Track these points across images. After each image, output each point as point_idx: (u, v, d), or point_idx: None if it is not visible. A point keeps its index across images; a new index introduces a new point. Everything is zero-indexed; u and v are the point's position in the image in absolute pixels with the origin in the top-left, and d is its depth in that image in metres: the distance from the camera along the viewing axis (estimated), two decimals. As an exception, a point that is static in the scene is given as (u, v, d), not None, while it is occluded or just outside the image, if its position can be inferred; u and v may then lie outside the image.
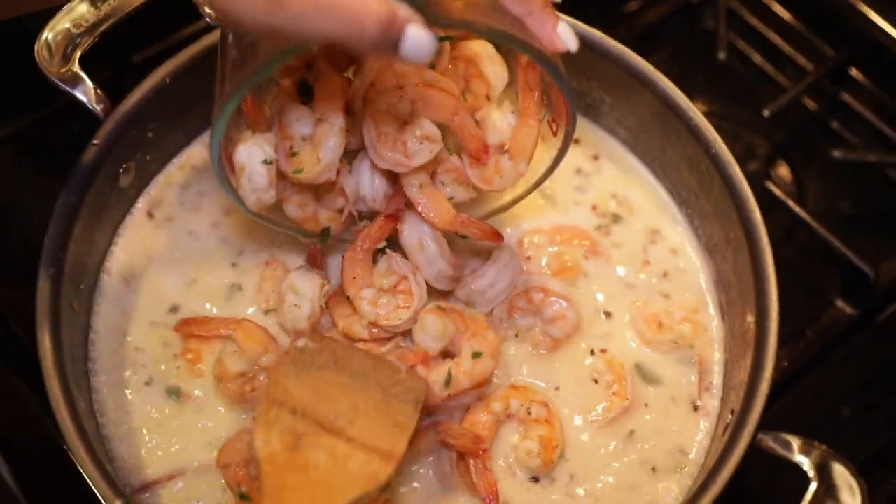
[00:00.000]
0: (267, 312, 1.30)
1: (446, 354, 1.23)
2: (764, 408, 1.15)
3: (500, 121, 1.22)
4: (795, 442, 1.13)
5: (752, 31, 1.72)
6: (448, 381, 1.19)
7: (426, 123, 1.18)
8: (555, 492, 1.21)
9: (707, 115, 1.34)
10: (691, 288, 1.36)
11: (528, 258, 1.36)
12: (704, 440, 1.26)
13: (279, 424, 1.08)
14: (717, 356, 1.31)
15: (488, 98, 1.23)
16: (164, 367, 1.26)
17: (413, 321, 1.23)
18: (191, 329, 1.27)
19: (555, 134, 1.22)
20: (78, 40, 1.28)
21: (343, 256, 1.26)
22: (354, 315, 1.25)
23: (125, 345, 1.28)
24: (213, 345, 1.27)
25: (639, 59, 1.36)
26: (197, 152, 1.41)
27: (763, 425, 1.15)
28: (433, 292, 1.27)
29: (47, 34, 1.27)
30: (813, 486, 1.08)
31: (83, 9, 1.28)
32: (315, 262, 1.29)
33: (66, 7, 1.27)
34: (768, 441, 1.14)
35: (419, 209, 1.22)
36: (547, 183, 1.28)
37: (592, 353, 1.30)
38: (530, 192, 1.29)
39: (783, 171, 1.61)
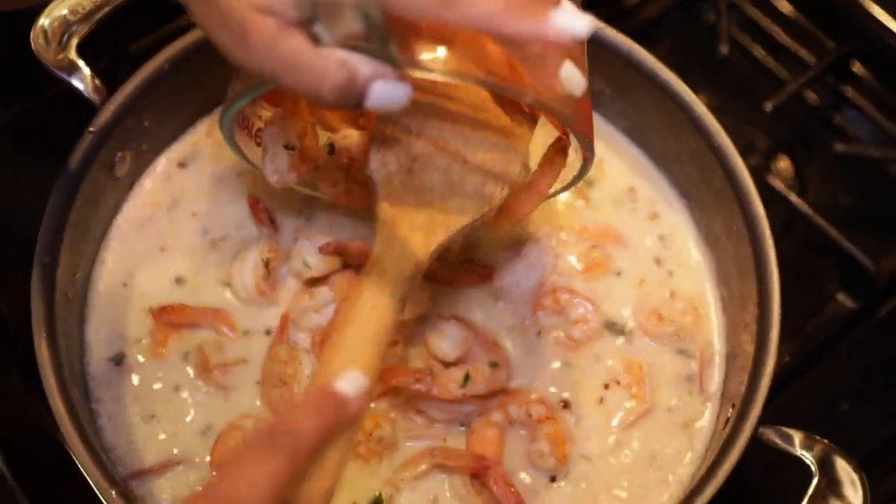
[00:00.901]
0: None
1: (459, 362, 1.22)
2: (764, 404, 1.15)
3: None
4: (797, 436, 1.12)
5: (754, 25, 1.71)
6: (465, 382, 1.18)
7: None
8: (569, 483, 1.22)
9: (707, 108, 1.32)
10: (692, 280, 1.35)
11: (556, 255, 1.34)
12: (705, 434, 1.25)
13: (394, 143, 1.06)
14: (717, 348, 1.31)
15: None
16: (157, 354, 1.25)
17: None
18: (170, 317, 1.26)
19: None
20: (74, 27, 1.26)
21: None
22: None
23: (121, 334, 1.26)
24: (196, 333, 1.27)
25: (640, 50, 1.34)
26: (194, 141, 1.40)
27: (763, 420, 1.14)
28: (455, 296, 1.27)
29: (43, 21, 1.25)
30: (815, 481, 1.07)
31: (80, -5, 1.27)
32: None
33: (62, -7, 1.26)
34: (770, 435, 1.13)
35: None
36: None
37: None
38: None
39: (784, 165, 1.60)
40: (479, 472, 1.18)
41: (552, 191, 1.21)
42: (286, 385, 1.21)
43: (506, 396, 1.23)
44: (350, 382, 0.85)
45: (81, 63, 1.26)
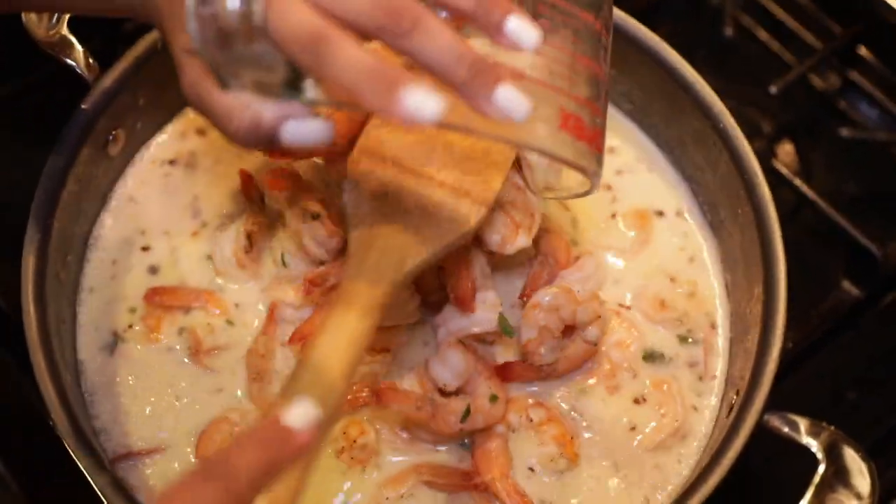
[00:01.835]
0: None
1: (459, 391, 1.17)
2: (769, 390, 1.13)
3: None
4: (803, 423, 1.10)
5: (758, 7, 1.69)
6: (465, 417, 1.14)
7: None
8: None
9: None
10: (695, 266, 1.33)
11: None
12: (709, 421, 1.23)
13: (370, 175, 1.06)
14: (721, 333, 1.28)
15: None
16: (150, 339, 1.23)
17: None
18: (162, 299, 1.24)
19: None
20: (66, 3, 1.23)
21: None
22: None
23: (112, 318, 1.24)
24: (189, 317, 1.24)
25: (645, 30, 1.32)
26: (190, 120, 1.37)
27: (766, 407, 1.12)
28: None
29: (34, -3, 1.23)
30: (821, 469, 1.05)
31: (72, -30, 1.24)
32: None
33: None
34: (775, 421, 1.11)
35: None
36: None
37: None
38: None
39: (789, 150, 1.58)
40: (470, 489, 1.15)
41: (557, 195, 1.19)
42: (264, 380, 1.19)
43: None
44: (300, 413, 0.80)
45: (73, 39, 1.24)
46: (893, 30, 1.59)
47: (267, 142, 0.91)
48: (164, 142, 1.36)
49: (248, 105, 0.89)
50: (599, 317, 1.20)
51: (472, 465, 1.17)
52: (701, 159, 1.33)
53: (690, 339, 1.28)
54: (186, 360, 1.22)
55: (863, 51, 1.64)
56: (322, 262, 1.21)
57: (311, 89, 0.87)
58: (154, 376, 1.21)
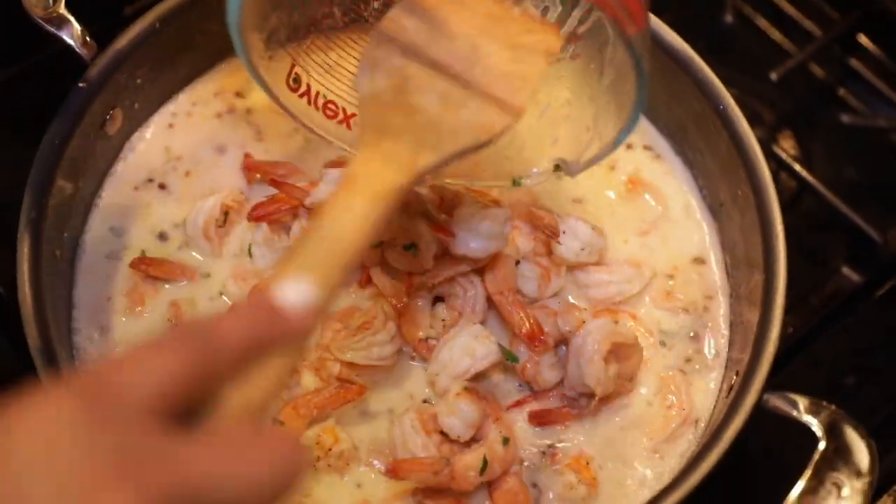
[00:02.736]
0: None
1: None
2: (769, 370, 1.12)
3: None
4: (802, 402, 1.09)
5: (758, -5, 1.69)
6: (483, 469, 1.11)
7: None
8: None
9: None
10: (697, 248, 1.32)
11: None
12: (710, 403, 1.22)
13: (387, 63, 0.98)
14: (721, 313, 1.27)
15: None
16: (146, 315, 1.22)
17: None
18: (147, 268, 1.23)
19: None
20: (63, -19, 1.23)
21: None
22: None
23: (110, 295, 1.23)
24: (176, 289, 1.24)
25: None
26: (189, 100, 1.36)
27: (766, 388, 1.11)
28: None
29: (32, -25, 1.22)
30: (821, 446, 1.04)
31: (69, -52, 1.24)
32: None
33: (50, -54, 1.23)
34: (774, 401, 1.10)
35: None
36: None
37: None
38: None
39: (789, 138, 1.58)
40: None
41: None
42: None
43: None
44: (294, 291, 0.72)
45: (71, 18, 1.23)
46: (893, 17, 1.58)
47: None
48: (161, 121, 1.35)
49: None
50: (584, 322, 1.18)
51: None
52: (701, 142, 1.33)
53: (692, 319, 1.27)
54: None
55: (863, 38, 1.63)
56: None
57: None
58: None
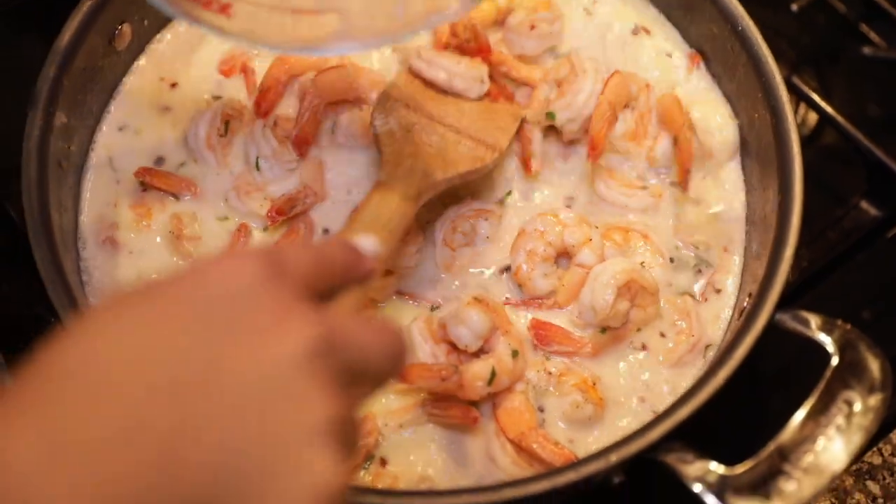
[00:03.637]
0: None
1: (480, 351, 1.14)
2: (782, 297, 1.10)
3: None
4: (815, 320, 1.05)
5: (780, -73, 1.65)
6: (491, 380, 1.10)
7: None
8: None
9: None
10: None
11: None
12: (721, 331, 1.20)
13: (395, 112, 1.21)
14: (737, 238, 1.25)
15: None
16: (151, 230, 1.22)
17: None
18: (151, 179, 1.23)
19: None
20: None
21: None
22: None
23: (116, 210, 1.22)
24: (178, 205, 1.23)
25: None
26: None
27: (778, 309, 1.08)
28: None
29: None
30: (834, 362, 1.01)
31: None
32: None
33: None
34: (787, 320, 1.07)
35: None
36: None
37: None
38: None
39: (809, 72, 1.54)
40: (469, 424, 1.12)
41: None
42: None
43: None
44: (367, 242, 0.91)
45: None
46: (916, -49, 1.55)
47: None
48: (172, 39, 1.34)
49: None
50: (590, 239, 1.17)
51: (496, 426, 1.12)
52: (718, 65, 1.30)
53: (705, 249, 1.25)
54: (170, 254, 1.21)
55: (886, -29, 1.60)
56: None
57: None
58: (147, 266, 1.20)
